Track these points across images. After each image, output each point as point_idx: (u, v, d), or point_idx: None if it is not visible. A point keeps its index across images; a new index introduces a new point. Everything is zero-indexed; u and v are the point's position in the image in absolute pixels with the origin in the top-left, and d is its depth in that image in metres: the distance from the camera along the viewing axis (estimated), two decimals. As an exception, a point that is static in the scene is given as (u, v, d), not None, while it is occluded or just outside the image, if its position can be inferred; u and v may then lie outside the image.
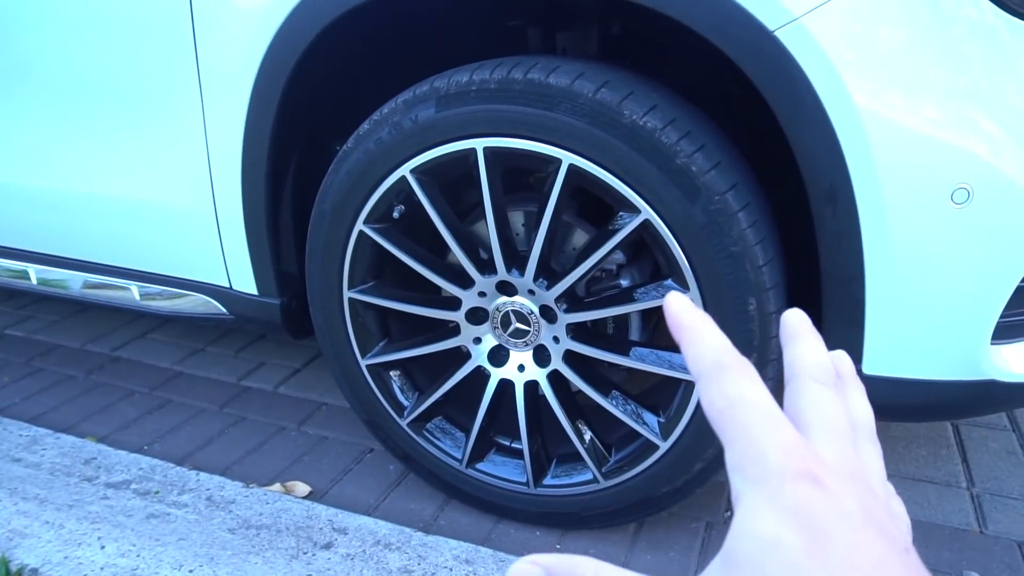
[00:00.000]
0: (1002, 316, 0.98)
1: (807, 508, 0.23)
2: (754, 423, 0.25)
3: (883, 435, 1.55)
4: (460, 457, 1.31)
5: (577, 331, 1.17)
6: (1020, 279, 0.95)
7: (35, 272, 1.66)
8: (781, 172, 1.09)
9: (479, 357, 1.25)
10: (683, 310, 0.29)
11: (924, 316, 0.98)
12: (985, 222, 0.91)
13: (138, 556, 1.21)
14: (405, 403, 1.33)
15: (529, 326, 1.19)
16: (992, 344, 1.00)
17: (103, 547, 1.23)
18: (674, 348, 1.12)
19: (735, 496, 0.25)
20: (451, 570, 1.19)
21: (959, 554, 1.23)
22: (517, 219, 1.25)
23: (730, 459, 0.26)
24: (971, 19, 0.89)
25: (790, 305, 1.10)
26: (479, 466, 1.31)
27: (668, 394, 1.15)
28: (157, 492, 1.41)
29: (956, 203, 0.91)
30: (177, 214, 1.39)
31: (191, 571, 1.17)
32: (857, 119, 0.89)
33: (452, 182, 1.18)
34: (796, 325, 0.31)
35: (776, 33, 0.89)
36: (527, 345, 1.21)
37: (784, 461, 0.24)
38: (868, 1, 0.88)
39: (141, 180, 1.40)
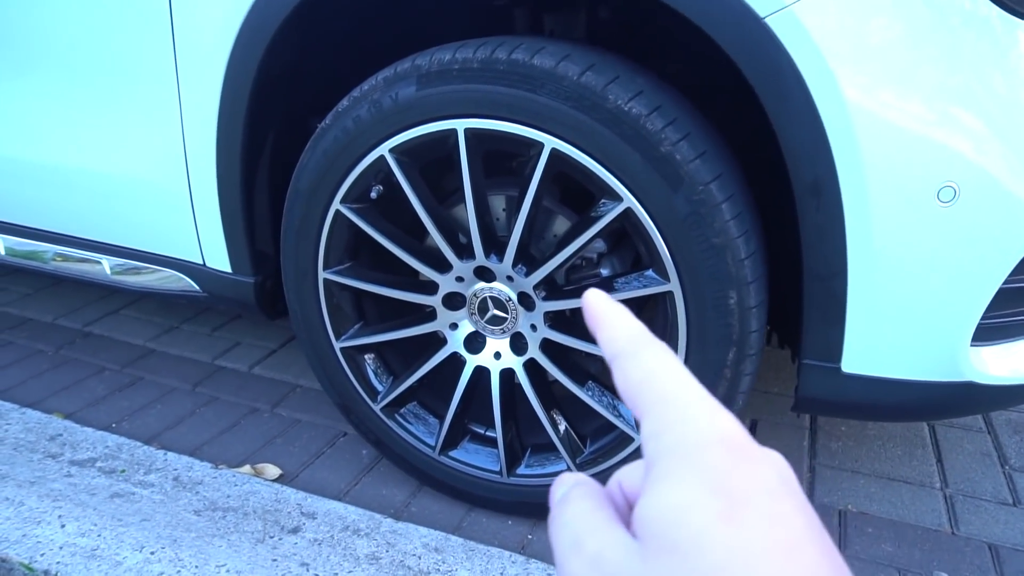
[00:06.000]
0: (983, 318, 0.97)
1: (727, 474, 0.22)
2: (675, 390, 0.24)
3: (859, 433, 1.55)
4: (433, 444, 1.29)
5: (555, 319, 1.15)
6: (1003, 281, 0.94)
7: (2, 243, 1.61)
8: (766, 167, 1.07)
9: (455, 343, 1.23)
10: (600, 301, 0.29)
11: (905, 315, 0.97)
12: (970, 222, 0.90)
13: (99, 536, 1.18)
14: (379, 387, 1.31)
15: (506, 313, 1.16)
16: (972, 346, 0.99)
17: (63, 526, 1.21)
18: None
19: (646, 466, 0.24)
20: (420, 558, 1.17)
21: (930, 554, 1.23)
22: (497, 204, 1.23)
23: (646, 428, 0.24)
24: (967, 15, 0.87)
25: (771, 301, 1.09)
26: (452, 453, 1.29)
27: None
28: (123, 471, 1.38)
29: (942, 201, 0.89)
30: (149, 187, 1.35)
31: (152, 552, 1.15)
32: (846, 112, 0.87)
33: (432, 164, 1.15)
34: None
35: (766, 20, 0.87)
36: (504, 332, 1.19)
37: (708, 426, 0.23)
38: (861, -9, 0.86)
39: (113, 152, 1.36)
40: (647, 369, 0.25)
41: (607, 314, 0.28)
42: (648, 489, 0.23)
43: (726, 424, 0.23)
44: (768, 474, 0.22)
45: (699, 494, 0.21)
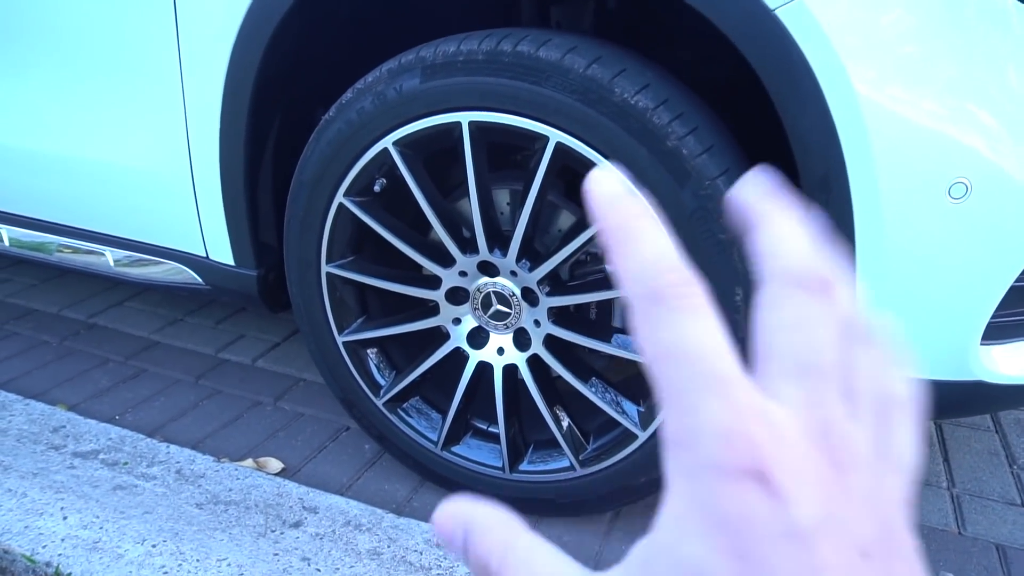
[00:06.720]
0: (994, 316, 0.95)
1: (743, 522, 0.17)
2: (690, 386, 0.19)
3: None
4: (436, 439, 1.28)
5: (559, 315, 1.14)
6: (1015, 279, 0.93)
7: (7, 233, 1.61)
8: (773, 161, 1.06)
9: (458, 338, 1.22)
10: (614, 199, 0.20)
11: (914, 313, 0.95)
12: (982, 218, 0.88)
13: (101, 528, 1.18)
14: (381, 382, 1.30)
15: (510, 308, 1.16)
16: (982, 344, 0.98)
17: (65, 518, 1.20)
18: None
19: (667, 476, 0.19)
20: (421, 554, 1.17)
21: (936, 554, 1.22)
22: (502, 198, 1.22)
23: (665, 427, 0.19)
24: (981, 7, 0.86)
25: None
26: (455, 449, 1.29)
27: (649, 383, 1.12)
28: (126, 463, 1.38)
29: (953, 198, 0.88)
30: (153, 179, 1.35)
31: (154, 546, 1.15)
32: (856, 106, 0.86)
33: (436, 157, 1.14)
34: (763, 195, 0.21)
35: (776, 12, 0.85)
36: (507, 328, 1.18)
37: (723, 451, 0.18)
38: (873, -17, 0.84)
39: (116, 143, 1.35)
40: (662, 342, 0.19)
41: (623, 230, 0.20)
42: (662, 529, 0.19)
43: (749, 445, 0.18)
44: (799, 511, 0.17)
45: (711, 555, 0.17)
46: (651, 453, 1.13)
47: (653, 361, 0.19)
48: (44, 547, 1.14)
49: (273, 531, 1.21)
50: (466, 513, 0.22)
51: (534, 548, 0.21)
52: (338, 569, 1.13)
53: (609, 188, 0.20)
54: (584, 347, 1.13)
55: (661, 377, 0.19)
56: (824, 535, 0.17)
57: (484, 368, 1.22)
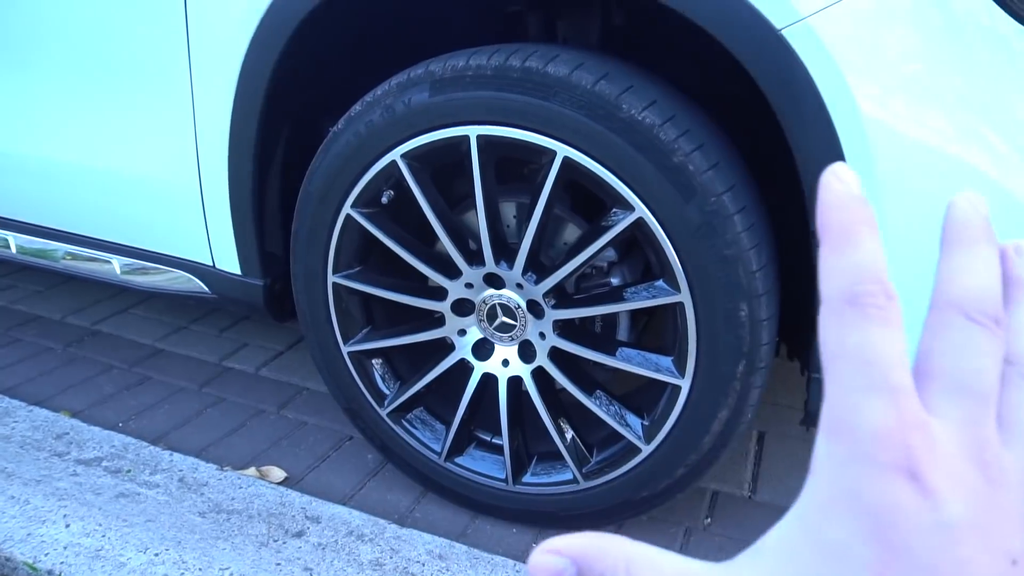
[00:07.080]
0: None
1: (891, 513, 0.18)
2: (861, 388, 0.19)
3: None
4: (439, 450, 1.28)
5: (564, 328, 1.15)
6: (1018, 297, 0.93)
7: (15, 241, 1.62)
8: (777, 176, 1.07)
9: (463, 349, 1.23)
10: (847, 199, 0.21)
11: (917, 329, 0.95)
12: (985, 237, 0.89)
13: (103, 536, 1.18)
14: (386, 392, 1.31)
15: (515, 320, 1.16)
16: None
17: (68, 525, 1.21)
18: (661, 350, 1.10)
19: (813, 463, 0.20)
20: (424, 565, 1.17)
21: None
22: (508, 211, 1.22)
23: (823, 417, 0.20)
24: (983, 29, 0.87)
25: (781, 313, 1.08)
26: (458, 460, 1.29)
27: (653, 397, 1.13)
28: (129, 471, 1.38)
29: (957, 216, 0.88)
30: (161, 188, 1.36)
31: (156, 554, 1.15)
32: (860, 124, 0.86)
33: (444, 169, 1.15)
34: (961, 223, 0.22)
35: (783, 32, 0.86)
36: (512, 340, 1.18)
37: (879, 448, 0.19)
38: (879, 4, 0.85)
39: (126, 151, 1.36)
40: (843, 345, 0.20)
41: (839, 233, 0.21)
42: (805, 511, 0.20)
43: (906, 446, 0.19)
44: (947, 509, 0.18)
45: (855, 539, 0.18)
46: (654, 467, 1.13)
47: (831, 359, 0.20)
48: (46, 555, 1.14)
49: (275, 540, 1.21)
50: (570, 545, 0.23)
51: (653, 554, 0.22)
52: (340, 580, 1.13)
53: (845, 188, 0.21)
54: (589, 360, 1.14)
55: (834, 374, 0.20)
56: (972, 533, 0.18)
57: (488, 380, 1.23)
